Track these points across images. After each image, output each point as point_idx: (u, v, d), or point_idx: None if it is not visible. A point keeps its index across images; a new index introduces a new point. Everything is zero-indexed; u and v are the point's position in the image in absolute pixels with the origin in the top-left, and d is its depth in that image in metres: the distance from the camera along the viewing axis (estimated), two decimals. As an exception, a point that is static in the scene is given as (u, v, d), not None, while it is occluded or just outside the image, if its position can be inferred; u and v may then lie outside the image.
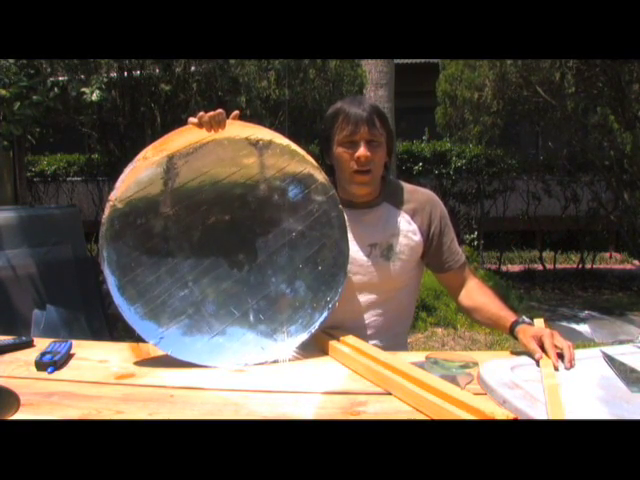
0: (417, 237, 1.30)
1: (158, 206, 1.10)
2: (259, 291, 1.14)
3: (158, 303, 1.07)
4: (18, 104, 2.93)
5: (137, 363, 1.08)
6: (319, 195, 1.18)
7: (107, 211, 1.06)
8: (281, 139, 1.18)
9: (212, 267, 1.13)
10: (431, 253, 1.31)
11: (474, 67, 5.40)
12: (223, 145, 1.13)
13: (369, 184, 1.26)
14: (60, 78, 3.51)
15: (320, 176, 1.18)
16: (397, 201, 1.32)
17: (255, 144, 1.15)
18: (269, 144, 1.16)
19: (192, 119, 1.12)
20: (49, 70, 3.38)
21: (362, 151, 1.22)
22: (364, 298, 1.28)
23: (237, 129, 1.14)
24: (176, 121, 1.03)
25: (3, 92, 2.86)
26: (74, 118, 4.21)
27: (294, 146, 1.18)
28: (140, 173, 1.08)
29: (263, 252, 1.15)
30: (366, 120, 1.22)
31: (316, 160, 1.22)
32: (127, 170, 1.08)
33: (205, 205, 1.13)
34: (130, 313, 1.04)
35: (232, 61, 3.84)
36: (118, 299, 1.04)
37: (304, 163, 1.18)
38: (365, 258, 1.27)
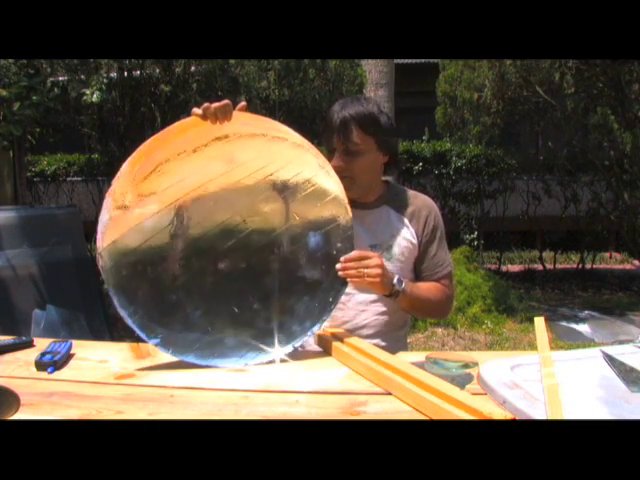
0: (414, 240, 1.31)
1: (167, 256, 1.05)
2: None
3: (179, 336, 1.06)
4: (18, 104, 2.93)
5: (137, 363, 1.07)
6: (338, 239, 1.13)
7: (107, 253, 1.02)
8: (308, 169, 1.10)
9: (225, 316, 1.08)
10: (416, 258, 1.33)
11: (474, 67, 5.40)
12: (237, 190, 1.06)
13: (350, 190, 1.20)
14: (60, 78, 3.52)
15: (342, 215, 1.12)
16: (397, 205, 1.33)
17: (281, 190, 1.08)
18: (295, 187, 1.08)
19: (196, 110, 1.04)
20: (49, 70, 3.38)
21: (333, 162, 1.21)
22: (364, 298, 1.28)
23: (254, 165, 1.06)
24: (176, 121, 1.02)
25: (3, 92, 2.86)
26: (74, 118, 4.22)
27: (320, 180, 1.11)
28: (135, 222, 1.03)
29: (280, 298, 1.10)
30: (338, 130, 1.22)
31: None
32: (107, 216, 1.02)
33: (218, 253, 1.07)
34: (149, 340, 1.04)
35: (232, 61, 3.85)
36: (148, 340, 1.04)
37: (328, 203, 1.11)
38: None
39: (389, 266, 1.28)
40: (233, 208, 1.07)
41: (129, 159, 1.04)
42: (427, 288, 1.29)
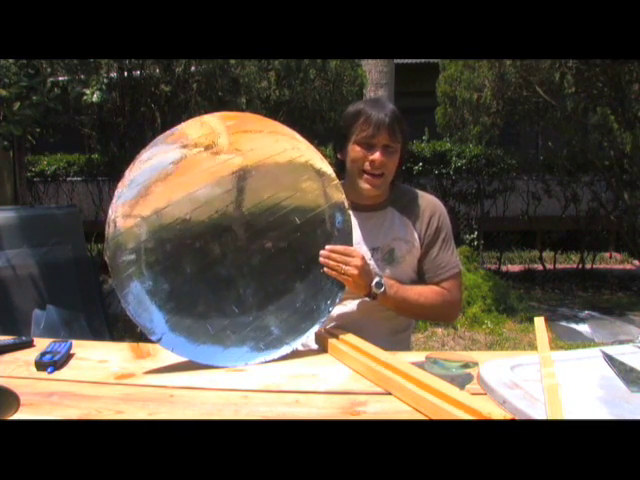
0: (417, 242, 1.30)
1: (217, 229, 1.06)
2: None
3: (219, 332, 1.04)
4: (18, 104, 2.93)
5: (137, 363, 1.07)
6: (349, 220, 1.17)
7: (145, 226, 0.99)
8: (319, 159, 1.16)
9: (275, 294, 1.09)
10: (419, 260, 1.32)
11: (474, 68, 5.40)
12: (283, 167, 1.11)
13: (379, 187, 1.26)
14: (60, 78, 3.52)
15: (346, 202, 1.17)
16: (402, 206, 1.33)
17: (318, 171, 1.14)
18: (325, 171, 1.15)
19: None
20: (49, 70, 3.38)
21: (377, 156, 1.22)
22: (365, 299, 1.28)
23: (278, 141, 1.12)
24: (176, 121, 1.03)
25: (3, 92, 2.86)
26: (74, 118, 4.22)
27: (327, 169, 1.17)
28: (194, 186, 1.03)
29: (313, 278, 1.13)
30: (387, 126, 1.22)
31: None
32: (174, 153, 1.02)
33: (262, 230, 1.09)
34: (188, 348, 1.02)
35: (232, 61, 3.85)
36: (168, 334, 1.01)
37: (339, 189, 1.17)
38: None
39: (390, 269, 1.28)
40: (277, 184, 1.11)
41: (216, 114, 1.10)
42: (419, 291, 1.26)
